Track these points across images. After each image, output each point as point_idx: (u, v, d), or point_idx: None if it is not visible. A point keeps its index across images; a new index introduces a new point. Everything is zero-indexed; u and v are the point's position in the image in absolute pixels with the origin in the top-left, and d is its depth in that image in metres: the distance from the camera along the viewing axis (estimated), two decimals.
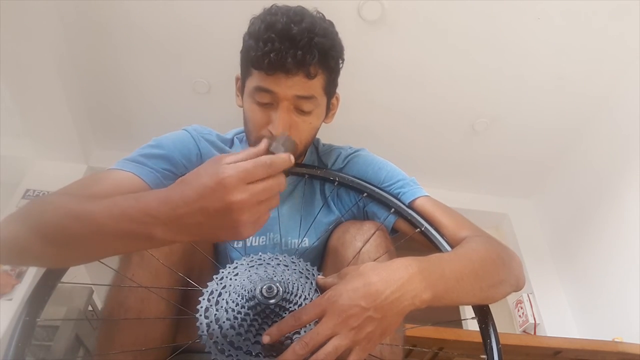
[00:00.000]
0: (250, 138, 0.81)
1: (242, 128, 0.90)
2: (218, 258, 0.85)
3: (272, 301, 0.57)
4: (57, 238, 0.53)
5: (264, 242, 0.86)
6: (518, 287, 0.70)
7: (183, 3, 1.87)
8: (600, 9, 1.87)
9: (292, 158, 0.52)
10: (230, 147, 0.90)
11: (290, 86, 0.73)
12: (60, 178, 1.05)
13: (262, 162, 0.49)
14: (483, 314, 0.65)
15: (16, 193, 2.25)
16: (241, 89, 0.83)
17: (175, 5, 1.88)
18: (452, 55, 2.07)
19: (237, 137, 0.92)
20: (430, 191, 0.83)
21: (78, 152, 2.39)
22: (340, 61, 0.81)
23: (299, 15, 0.73)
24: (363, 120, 2.35)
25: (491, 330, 0.64)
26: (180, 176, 0.80)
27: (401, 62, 2.11)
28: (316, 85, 0.76)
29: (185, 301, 0.71)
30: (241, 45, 0.79)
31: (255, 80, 0.75)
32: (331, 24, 0.79)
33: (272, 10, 0.75)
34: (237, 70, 0.85)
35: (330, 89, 0.81)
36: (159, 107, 2.35)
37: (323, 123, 0.86)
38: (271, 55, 0.70)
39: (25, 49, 1.87)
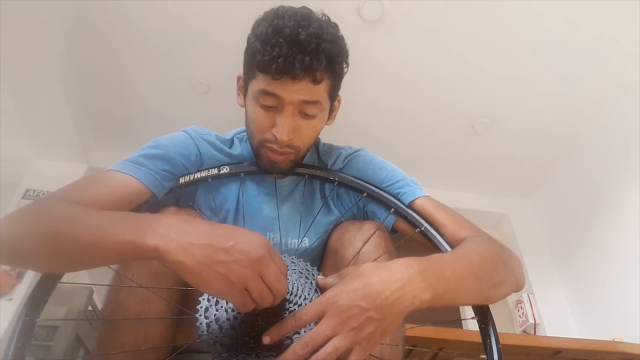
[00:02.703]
0: (253, 140, 0.81)
1: (242, 128, 0.90)
2: None
3: None
4: (53, 239, 0.54)
5: None
6: (518, 288, 0.70)
7: (183, 3, 1.88)
8: (599, 11, 1.87)
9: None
10: (230, 147, 0.89)
11: (296, 91, 0.73)
12: (60, 178, 1.04)
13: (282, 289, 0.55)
14: (483, 314, 0.65)
15: (16, 193, 2.26)
16: (243, 89, 0.82)
17: (175, 5, 1.88)
18: (453, 55, 2.07)
19: (237, 137, 0.92)
20: (430, 191, 0.83)
21: (78, 152, 2.39)
22: (345, 65, 0.80)
23: (306, 19, 0.73)
24: (363, 120, 2.35)
25: (491, 330, 0.64)
26: (180, 177, 0.80)
27: (401, 62, 2.11)
28: (321, 90, 0.76)
29: (185, 301, 0.71)
30: (242, 45, 0.79)
31: (260, 83, 0.74)
32: (337, 27, 0.78)
33: (279, 13, 0.74)
34: (236, 70, 0.84)
35: (334, 93, 0.81)
36: (159, 107, 2.35)
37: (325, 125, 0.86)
38: (279, 60, 0.69)
39: (25, 49, 1.87)
